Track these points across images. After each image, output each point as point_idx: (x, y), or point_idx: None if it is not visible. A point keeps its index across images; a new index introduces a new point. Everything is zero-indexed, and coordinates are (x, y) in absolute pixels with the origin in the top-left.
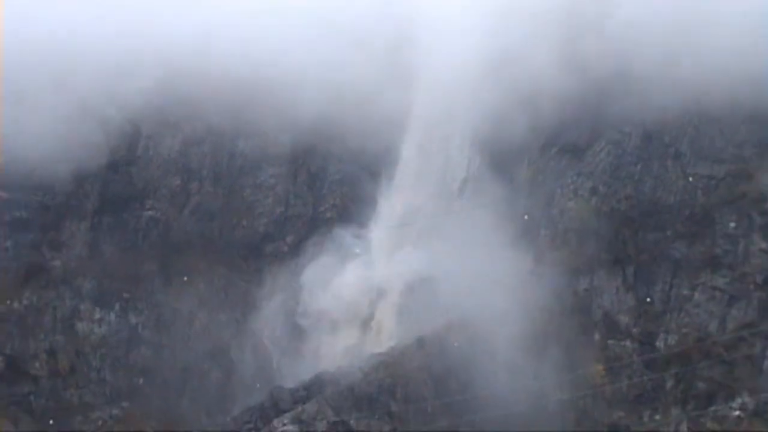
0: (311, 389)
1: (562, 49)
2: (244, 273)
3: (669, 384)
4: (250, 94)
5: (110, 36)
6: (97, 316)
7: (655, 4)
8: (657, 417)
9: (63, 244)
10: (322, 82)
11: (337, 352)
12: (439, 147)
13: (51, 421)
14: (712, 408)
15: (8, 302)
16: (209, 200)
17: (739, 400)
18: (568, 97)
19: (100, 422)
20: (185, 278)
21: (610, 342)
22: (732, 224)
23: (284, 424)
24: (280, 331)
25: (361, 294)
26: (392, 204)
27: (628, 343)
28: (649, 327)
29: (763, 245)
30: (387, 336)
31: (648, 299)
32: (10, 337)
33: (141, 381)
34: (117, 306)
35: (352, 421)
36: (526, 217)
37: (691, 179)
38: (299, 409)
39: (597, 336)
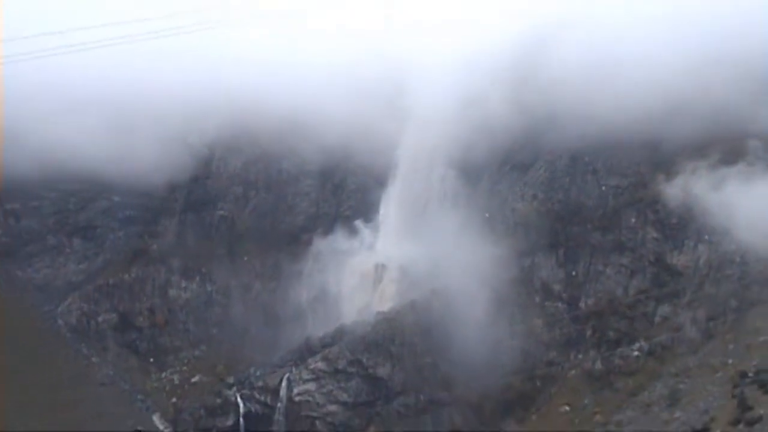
0: (335, 337)
1: (511, 95)
2: (287, 255)
3: (588, 333)
4: (292, 128)
5: (194, 87)
6: (183, 285)
7: (577, 64)
8: (580, 356)
9: (159, 234)
10: (343, 119)
11: (353, 311)
12: (425, 164)
13: (151, 359)
14: (619, 350)
15: (120, 275)
16: (263, 203)
17: (637, 344)
18: (516, 130)
19: (185, 360)
20: (245, 258)
21: (546, 303)
22: (633, 220)
23: (315, 362)
24: (313, 296)
25: (370, 269)
26: (392, 205)
27: (559, 304)
28: (574, 292)
29: (655, 234)
30: (388, 299)
31: (573, 273)
32: (122, 299)
33: (214, 331)
34: (197, 278)
35: (363, 360)
36: (486, 215)
37: (603, 188)
38: (326, 351)
39: (537, 299)
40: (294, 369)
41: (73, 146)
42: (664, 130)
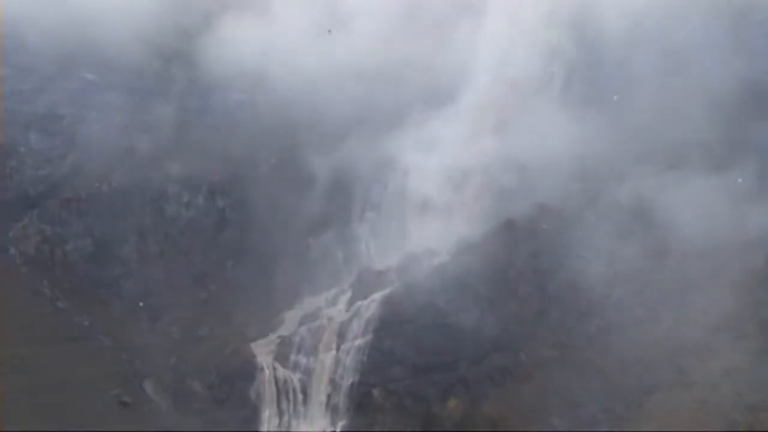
0: (399, 271)
1: None
2: (331, 152)
3: None
4: None
5: None
6: (185, 199)
7: None
8: None
9: (151, 126)
10: None
11: (425, 233)
12: None
13: (140, 303)
14: None
15: (97, 185)
16: None
17: None
18: None
19: (189, 305)
20: (272, 160)
21: None
22: None
23: (372, 307)
24: (368, 210)
25: (448, 175)
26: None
27: None
28: None
29: None
30: (474, 219)
31: None
32: (98, 220)
33: (229, 264)
34: (204, 189)
35: (440, 304)
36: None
37: None
38: (387, 291)
39: None
40: (343, 316)
41: None
42: None
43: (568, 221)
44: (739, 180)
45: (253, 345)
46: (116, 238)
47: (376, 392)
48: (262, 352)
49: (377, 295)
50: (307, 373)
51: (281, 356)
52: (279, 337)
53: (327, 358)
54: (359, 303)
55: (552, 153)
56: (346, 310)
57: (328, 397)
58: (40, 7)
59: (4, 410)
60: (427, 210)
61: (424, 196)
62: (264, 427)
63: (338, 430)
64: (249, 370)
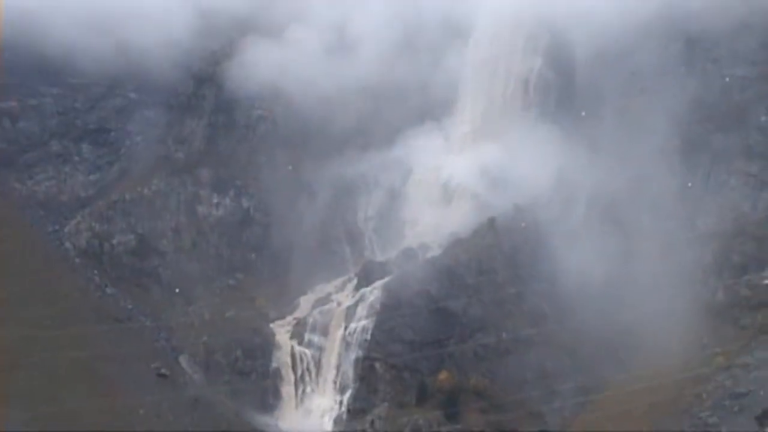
0: (397, 263)
1: None
2: (339, 162)
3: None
4: None
5: None
6: (215, 200)
7: None
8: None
9: (185, 139)
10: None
11: (421, 231)
12: None
13: (176, 290)
14: (745, 278)
15: (139, 188)
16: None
17: None
18: None
19: (218, 291)
20: (290, 167)
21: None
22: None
23: (376, 292)
24: (372, 213)
25: (440, 181)
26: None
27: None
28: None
29: None
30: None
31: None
32: (140, 218)
33: (252, 256)
34: (231, 192)
35: (432, 290)
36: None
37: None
38: (388, 279)
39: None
40: (350, 301)
41: (79, 30)
42: None
43: (543, 220)
44: (689, 184)
45: (272, 325)
46: (155, 234)
47: (377, 366)
48: (281, 332)
49: (379, 283)
50: (319, 349)
51: (297, 335)
52: (295, 318)
53: (336, 336)
54: (363, 289)
55: (530, 161)
56: (353, 296)
57: (337, 369)
58: (89, 35)
59: (61, 381)
60: (422, 210)
61: (419, 199)
62: (282, 395)
63: (346, 398)
64: (269, 347)
